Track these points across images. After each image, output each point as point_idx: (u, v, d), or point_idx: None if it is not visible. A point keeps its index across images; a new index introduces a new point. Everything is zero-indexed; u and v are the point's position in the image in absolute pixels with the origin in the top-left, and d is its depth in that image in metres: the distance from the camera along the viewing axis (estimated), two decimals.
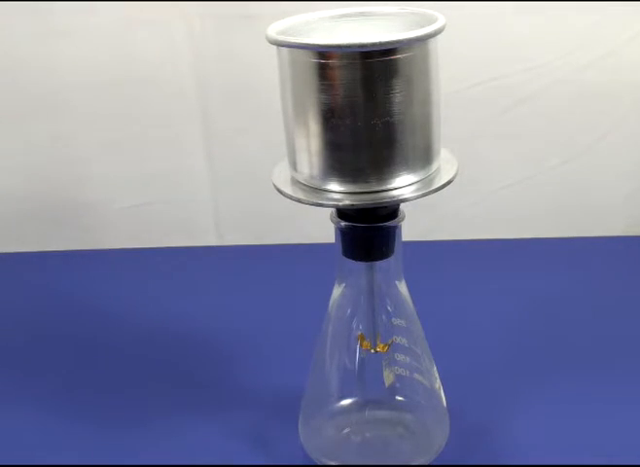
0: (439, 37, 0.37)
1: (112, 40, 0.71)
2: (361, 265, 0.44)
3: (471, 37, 0.69)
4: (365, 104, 0.36)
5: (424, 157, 0.39)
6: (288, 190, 0.40)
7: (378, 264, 0.44)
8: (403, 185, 0.38)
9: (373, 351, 0.46)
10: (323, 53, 0.36)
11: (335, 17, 0.41)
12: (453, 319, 0.62)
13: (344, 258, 0.43)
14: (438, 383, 0.48)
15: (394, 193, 0.38)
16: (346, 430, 0.50)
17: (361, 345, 0.46)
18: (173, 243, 0.78)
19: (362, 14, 0.41)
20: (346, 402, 0.50)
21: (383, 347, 0.46)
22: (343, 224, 0.42)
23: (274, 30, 0.37)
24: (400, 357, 0.46)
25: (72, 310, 0.68)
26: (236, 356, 0.60)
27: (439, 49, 0.38)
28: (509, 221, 0.78)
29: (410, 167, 0.38)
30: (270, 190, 0.41)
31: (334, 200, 0.39)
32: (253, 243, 0.79)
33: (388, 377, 0.47)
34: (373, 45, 0.35)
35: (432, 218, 0.75)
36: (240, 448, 0.50)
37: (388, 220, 0.42)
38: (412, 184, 0.39)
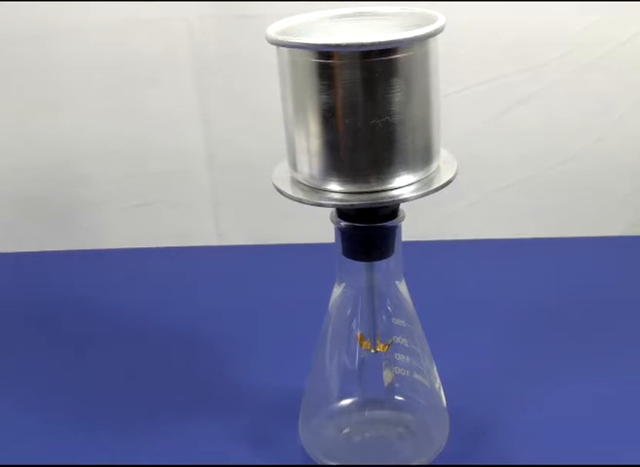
0: (439, 37, 0.37)
1: (112, 40, 0.71)
2: (361, 265, 0.44)
3: (471, 37, 0.69)
4: (365, 104, 0.36)
5: (424, 156, 0.39)
6: (288, 190, 0.40)
7: (378, 264, 0.44)
8: (402, 185, 0.38)
9: (373, 351, 0.46)
10: (323, 52, 0.35)
11: (334, 17, 0.41)
12: (453, 319, 0.62)
13: (344, 258, 0.43)
14: (438, 383, 0.48)
15: (394, 193, 0.38)
16: (346, 430, 0.50)
17: (361, 345, 0.46)
18: (173, 243, 0.78)
19: (362, 14, 0.41)
20: (346, 402, 0.50)
21: (383, 347, 0.46)
22: (343, 224, 0.42)
23: (274, 30, 0.37)
24: (400, 357, 0.46)
25: (72, 310, 0.67)
26: (236, 356, 0.60)
27: (439, 49, 0.38)
28: (509, 221, 0.78)
29: (410, 167, 0.38)
30: (270, 190, 0.41)
31: (334, 200, 0.39)
32: (253, 243, 0.79)
33: (388, 377, 0.47)
34: (373, 45, 0.35)
35: (432, 218, 0.75)
36: (240, 448, 0.50)
37: (388, 220, 0.42)
38: (412, 184, 0.39)
